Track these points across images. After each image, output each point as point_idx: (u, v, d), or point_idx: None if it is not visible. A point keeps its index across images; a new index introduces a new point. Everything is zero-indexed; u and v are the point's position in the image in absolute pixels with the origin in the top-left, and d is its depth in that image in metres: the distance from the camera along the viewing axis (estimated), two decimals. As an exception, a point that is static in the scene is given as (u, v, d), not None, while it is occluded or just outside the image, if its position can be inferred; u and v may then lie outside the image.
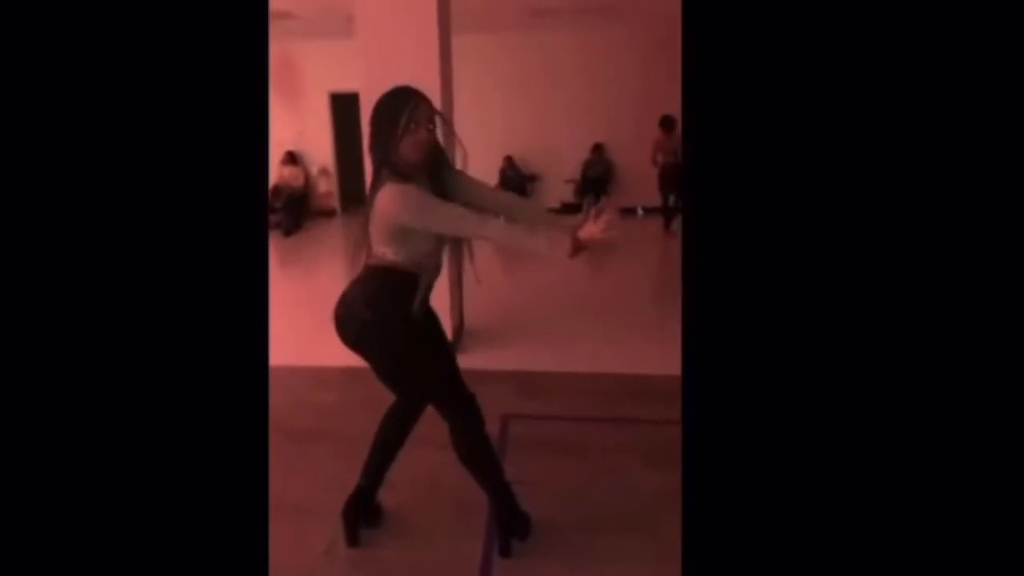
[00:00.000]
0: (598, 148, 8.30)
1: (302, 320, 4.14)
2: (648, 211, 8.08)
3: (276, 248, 7.12)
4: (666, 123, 7.07)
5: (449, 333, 3.52)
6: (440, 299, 3.45)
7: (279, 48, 8.41)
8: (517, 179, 8.45)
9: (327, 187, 9.10)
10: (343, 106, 8.96)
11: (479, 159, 3.16)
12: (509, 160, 8.37)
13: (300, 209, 8.38)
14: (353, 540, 1.95)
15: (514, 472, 2.29)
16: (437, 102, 3.22)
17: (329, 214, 9.06)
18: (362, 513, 1.99)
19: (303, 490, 2.28)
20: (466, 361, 3.49)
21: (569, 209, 8.34)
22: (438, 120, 1.66)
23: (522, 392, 3.04)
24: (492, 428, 2.63)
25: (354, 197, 10.37)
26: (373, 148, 1.64)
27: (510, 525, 1.93)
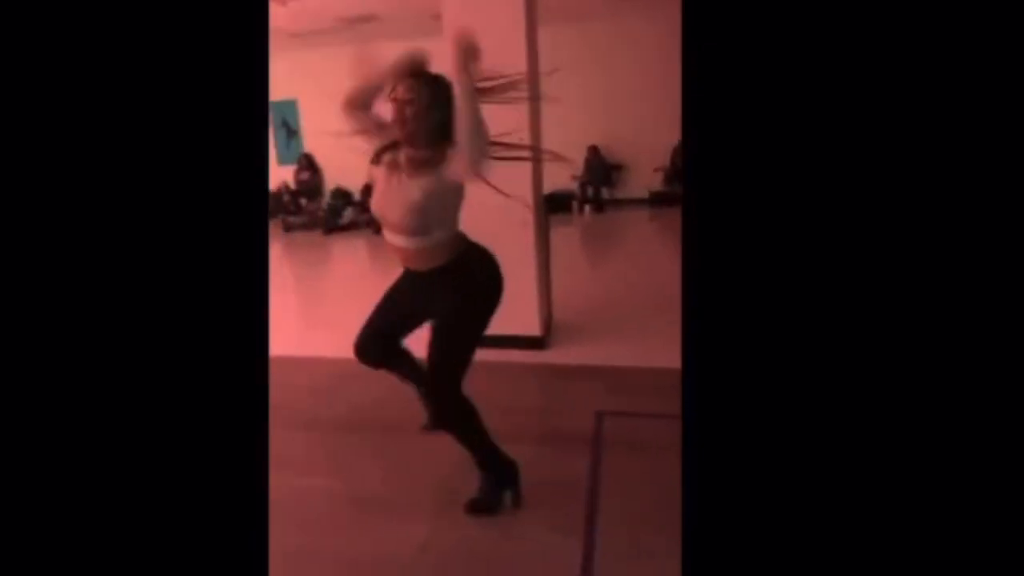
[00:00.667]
0: (686, 134, 8.03)
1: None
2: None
3: (323, 243, 7.37)
4: None
5: (538, 326, 3.53)
6: (526, 291, 3.44)
7: (360, 49, 8.66)
8: (603, 168, 8.32)
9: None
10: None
11: (564, 149, 3.13)
12: (594, 149, 8.24)
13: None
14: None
15: (612, 471, 2.25)
16: (525, 91, 3.26)
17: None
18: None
19: (389, 484, 2.33)
20: (555, 356, 3.51)
21: (659, 198, 8.18)
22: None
23: (612, 389, 2.98)
24: (587, 425, 2.61)
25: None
26: None
27: (501, 476, 2.03)
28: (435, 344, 1.88)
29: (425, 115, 1.74)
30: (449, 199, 1.80)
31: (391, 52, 1.92)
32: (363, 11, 6.85)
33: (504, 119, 3.10)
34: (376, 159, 1.86)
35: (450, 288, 1.86)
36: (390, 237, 1.88)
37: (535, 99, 3.32)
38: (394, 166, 1.82)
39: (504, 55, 3.14)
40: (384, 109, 1.86)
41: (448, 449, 2.06)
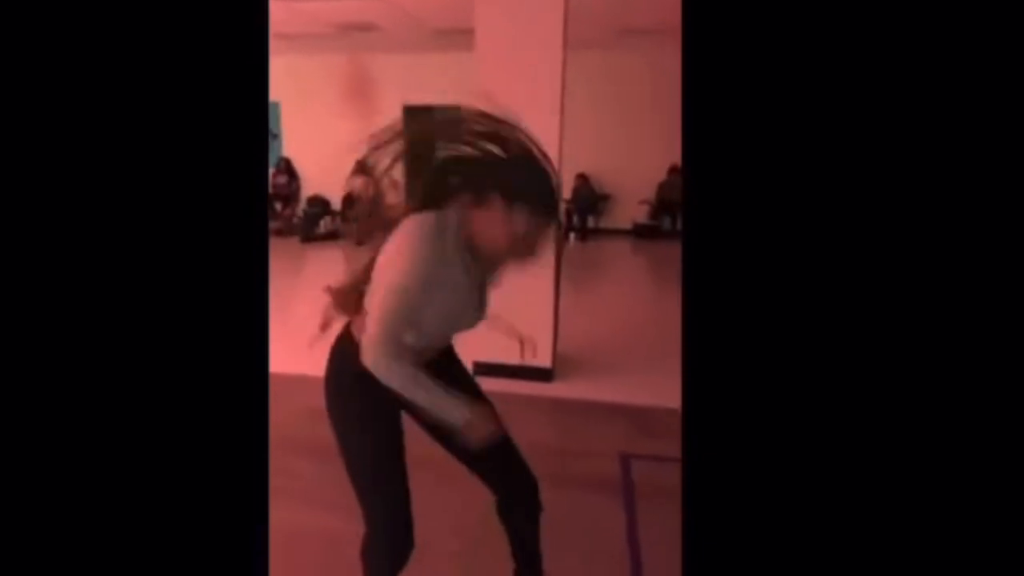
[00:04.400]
0: (675, 170, 8.10)
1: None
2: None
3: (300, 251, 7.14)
4: None
5: (549, 358, 3.40)
6: (543, 324, 3.31)
7: (354, 59, 8.50)
8: (590, 197, 8.31)
9: (395, 198, 9.12)
10: (415, 119, 8.98)
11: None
12: (583, 178, 8.23)
13: (372, 218, 8.41)
14: None
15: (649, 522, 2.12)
16: (556, 116, 3.16)
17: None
18: None
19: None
20: (566, 391, 3.37)
21: (642, 231, 8.22)
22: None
23: (639, 429, 2.86)
24: (614, 468, 2.46)
25: (419, 210, 10.41)
26: None
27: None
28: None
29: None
30: None
31: (385, 66, 1.75)
32: (362, 19, 6.70)
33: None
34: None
35: None
36: None
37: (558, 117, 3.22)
38: None
39: (538, 72, 3.07)
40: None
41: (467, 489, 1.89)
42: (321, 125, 8.99)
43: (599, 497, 2.30)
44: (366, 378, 1.24)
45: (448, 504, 2.17)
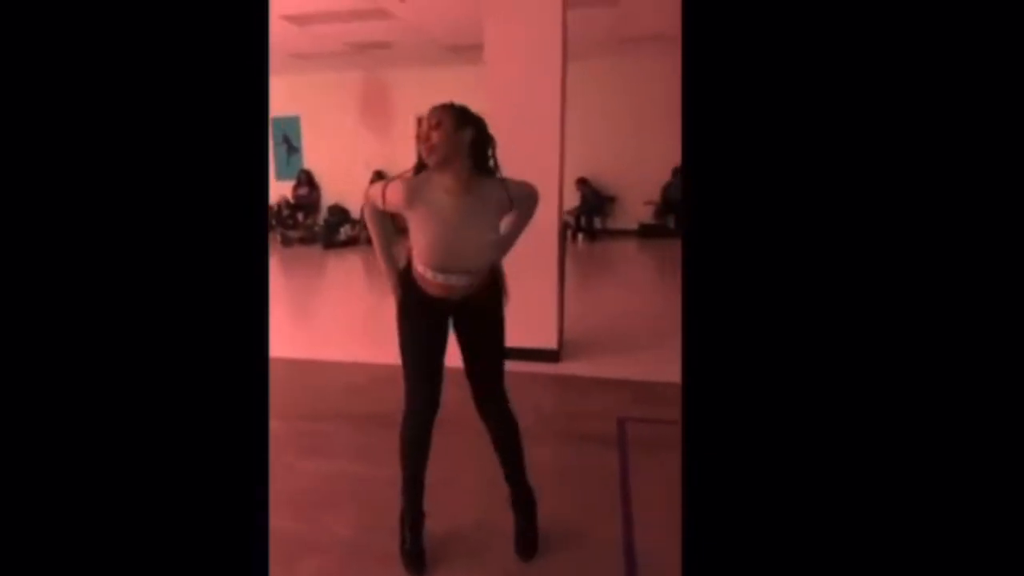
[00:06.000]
0: (678, 172, 8.43)
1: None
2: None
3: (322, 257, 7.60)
4: None
5: (555, 340, 3.75)
6: (548, 307, 3.67)
7: (369, 76, 8.97)
8: (596, 199, 8.65)
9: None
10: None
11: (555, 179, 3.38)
12: (584, 182, 8.57)
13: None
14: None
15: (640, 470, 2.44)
16: (557, 122, 3.52)
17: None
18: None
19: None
20: (571, 369, 3.71)
21: (647, 230, 8.54)
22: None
23: (638, 398, 3.21)
24: (612, 429, 2.82)
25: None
26: None
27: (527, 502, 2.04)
28: (489, 352, 1.95)
29: (455, 138, 1.67)
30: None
31: (399, 80, 2.05)
32: (377, 38, 7.11)
33: (535, 152, 3.37)
34: (407, 197, 1.71)
35: (485, 298, 1.89)
36: (450, 279, 1.77)
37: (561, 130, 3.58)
38: (440, 208, 1.70)
39: (540, 84, 3.42)
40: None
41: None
42: (340, 138, 9.49)
43: (599, 449, 2.65)
44: (418, 292, 1.82)
45: (469, 449, 2.53)
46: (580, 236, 8.57)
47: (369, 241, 7.89)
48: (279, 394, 3.25)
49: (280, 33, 6.55)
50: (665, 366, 3.40)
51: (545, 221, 3.46)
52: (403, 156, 9.42)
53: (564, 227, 8.38)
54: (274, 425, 2.91)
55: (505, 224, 1.87)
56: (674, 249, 7.62)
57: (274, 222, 9.16)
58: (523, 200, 1.87)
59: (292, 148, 9.79)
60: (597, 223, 8.72)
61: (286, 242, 8.97)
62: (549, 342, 3.71)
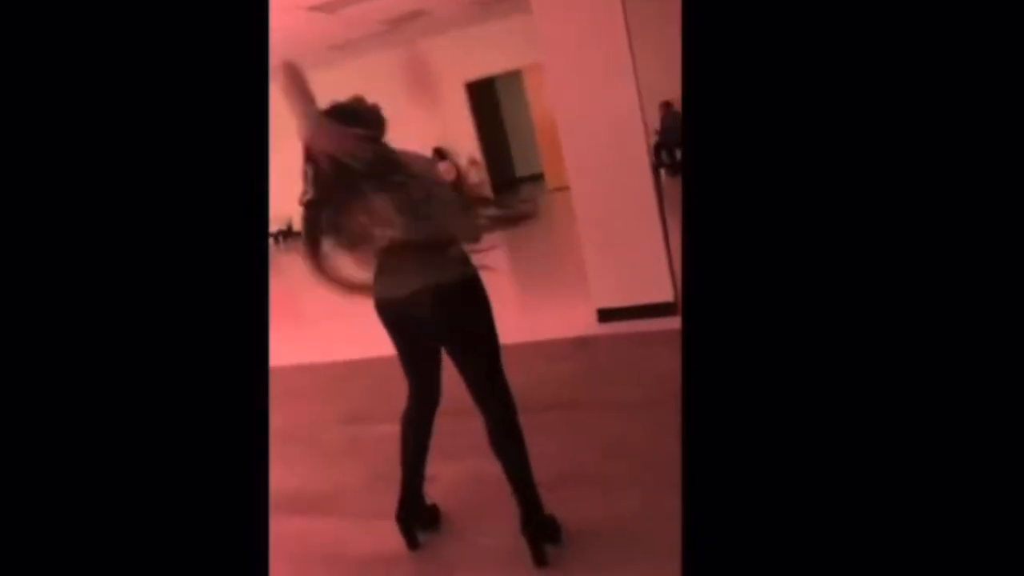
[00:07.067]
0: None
1: (515, 298, 4.13)
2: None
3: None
4: None
5: (670, 290, 3.31)
6: (655, 253, 3.22)
7: (410, 50, 8.59)
8: (679, 128, 7.95)
9: (478, 176, 9.19)
10: (480, 94, 8.96)
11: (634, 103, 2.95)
12: (668, 106, 7.84)
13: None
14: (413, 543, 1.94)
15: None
16: (623, 60, 3.05)
17: (485, 202, 9.17)
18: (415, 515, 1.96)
19: (577, 457, 2.23)
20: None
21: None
22: None
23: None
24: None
25: (506, 181, 10.45)
26: None
27: (540, 528, 1.75)
28: (476, 357, 1.74)
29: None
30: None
31: (442, 47, 1.74)
32: (407, 8, 6.75)
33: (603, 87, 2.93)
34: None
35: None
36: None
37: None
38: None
39: (600, 15, 2.97)
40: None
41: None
42: (393, 124, 9.19)
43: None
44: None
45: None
46: (662, 172, 7.91)
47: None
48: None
49: (313, 26, 6.37)
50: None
51: (632, 157, 3.02)
52: (457, 126, 9.04)
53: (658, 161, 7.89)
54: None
55: None
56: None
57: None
58: None
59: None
60: (679, 155, 8.04)
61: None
62: (663, 294, 3.25)
